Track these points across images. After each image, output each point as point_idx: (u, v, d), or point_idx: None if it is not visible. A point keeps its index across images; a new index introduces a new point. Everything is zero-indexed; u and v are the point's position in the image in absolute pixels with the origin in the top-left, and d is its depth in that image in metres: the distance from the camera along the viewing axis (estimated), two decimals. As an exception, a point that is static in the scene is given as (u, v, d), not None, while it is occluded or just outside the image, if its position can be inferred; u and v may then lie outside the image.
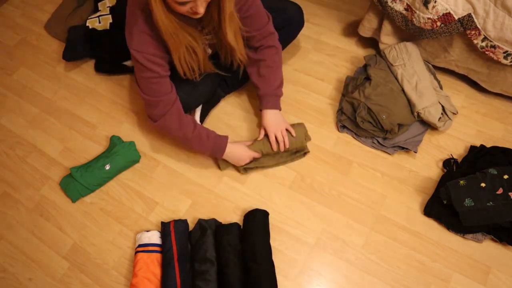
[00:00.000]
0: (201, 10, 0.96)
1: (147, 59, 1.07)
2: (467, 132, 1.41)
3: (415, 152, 1.34)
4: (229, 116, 1.49)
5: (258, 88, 1.32)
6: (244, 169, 1.34)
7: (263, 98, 1.32)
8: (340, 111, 1.43)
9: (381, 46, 1.52)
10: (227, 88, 1.50)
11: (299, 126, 1.35)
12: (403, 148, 1.36)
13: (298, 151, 1.36)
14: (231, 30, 1.10)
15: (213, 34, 1.16)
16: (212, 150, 1.27)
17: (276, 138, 1.30)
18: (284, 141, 1.29)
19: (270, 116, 1.31)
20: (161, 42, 1.06)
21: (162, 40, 1.05)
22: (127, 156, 1.36)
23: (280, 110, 1.34)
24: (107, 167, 1.32)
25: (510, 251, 1.19)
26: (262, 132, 1.33)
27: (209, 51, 1.27)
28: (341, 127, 1.43)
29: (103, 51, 1.60)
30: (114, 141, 1.40)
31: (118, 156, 1.35)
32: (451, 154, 1.36)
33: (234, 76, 1.45)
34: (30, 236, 1.30)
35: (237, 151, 1.29)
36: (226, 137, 1.28)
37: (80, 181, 1.30)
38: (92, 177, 1.31)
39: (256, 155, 1.31)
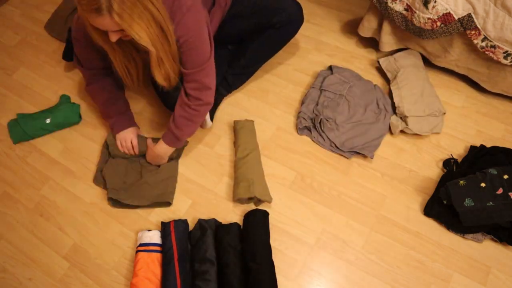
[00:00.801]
0: (113, 39, 1.00)
1: (78, 40, 1.21)
2: (467, 132, 1.41)
3: (371, 158, 1.35)
4: (230, 116, 1.49)
5: (170, 121, 1.25)
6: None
7: (167, 131, 1.27)
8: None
9: (380, 47, 1.52)
10: (229, 87, 1.50)
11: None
12: (359, 153, 1.36)
13: None
14: (160, 74, 1.12)
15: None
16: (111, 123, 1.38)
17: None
18: (133, 149, 1.37)
19: (160, 147, 1.29)
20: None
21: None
22: (68, 115, 1.48)
23: (173, 147, 1.29)
24: (48, 120, 1.45)
25: (510, 251, 1.19)
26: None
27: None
28: (301, 129, 1.43)
29: (103, 51, 1.60)
30: (62, 99, 1.54)
31: (59, 113, 1.47)
32: (451, 154, 1.36)
33: (236, 74, 1.45)
34: (30, 236, 1.30)
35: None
36: (125, 124, 1.38)
37: (22, 127, 1.44)
38: (32, 126, 1.45)
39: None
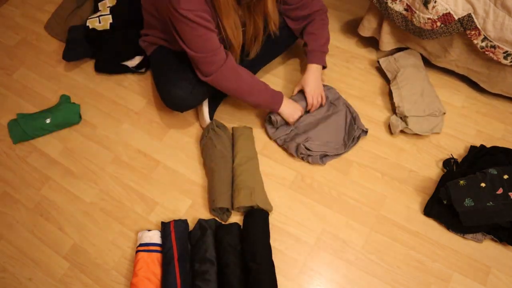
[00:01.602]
0: None
1: (199, 16, 1.08)
2: (467, 132, 1.41)
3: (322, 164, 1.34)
4: (230, 116, 1.49)
5: (306, 45, 1.40)
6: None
7: (310, 53, 1.39)
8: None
9: (380, 47, 1.52)
10: None
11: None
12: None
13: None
14: (274, 17, 1.22)
15: (245, 7, 1.21)
16: (270, 101, 1.32)
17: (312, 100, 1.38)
18: (317, 106, 1.40)
19: (313, 73, 1.39)
20: (207, 3, 1.11)
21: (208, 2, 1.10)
22: (68, 115, 1.48)
23: (325, 66, 1.42)
24: (48, 120, 1.46)
25: (510, 251, 1.19)
26: (297, 89, 1.42)
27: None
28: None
29: (103, 51, 1.60)
30: (62, 99, 1.54)
31: (59, 113, 1.47)
32: (451, 154, 1.36)
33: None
34: (30, 236, 1.30)
35: (291, 104, 1.36)
36: (281, 92, 1.34)
37: (22, 127, 1.45)
38: (32, 126, 1.46)
39: (301, 109, 1.38)
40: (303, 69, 1.60)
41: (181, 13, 1.06)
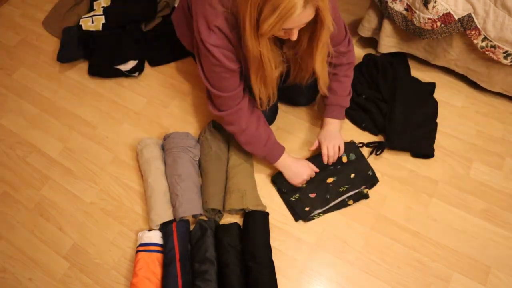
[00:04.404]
0: (295, 37, 0.94)
1: (224, 54, 1.02)
2: (467, 132, 1.41)
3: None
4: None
5: (326, 98, 1.29)
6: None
7: (329, 107, 1.29)
8: None
9: (379, 49, 1.52)
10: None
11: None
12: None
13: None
14: (320, 58, 1.06)
15: (290, 52, 1.11)
16: (266, 154, 1.25)
17: (328, 151, 1.27)
18: (334, 156, 1.27)
19: (329, 127, 1.29)
20: (237, 46, 1.03)
21: (238, 44, 1.02)
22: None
23: (343, 119, 1.32)
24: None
25: (510, 251, 1.19)
26: (316, 143, 1.31)
27: (280, 69, 1.16)
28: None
29: (96, 55, 1.59)
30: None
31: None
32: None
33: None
34: (30, 236, 1.30)
35: (293, 165, 1.26)
36: (282, 148, 1.26)
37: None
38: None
39: (315, 169, 1.28)
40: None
41: (207, 46, 1.01)
